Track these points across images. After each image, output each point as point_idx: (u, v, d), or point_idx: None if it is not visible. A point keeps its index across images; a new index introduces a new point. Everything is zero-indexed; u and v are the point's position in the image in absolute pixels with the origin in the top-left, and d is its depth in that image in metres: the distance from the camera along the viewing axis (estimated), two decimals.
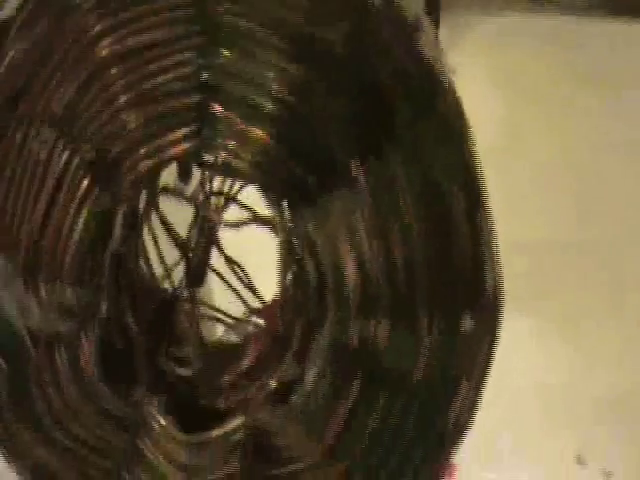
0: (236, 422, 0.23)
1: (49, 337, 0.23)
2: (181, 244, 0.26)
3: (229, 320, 0.28)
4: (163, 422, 0.23)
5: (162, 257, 0.26)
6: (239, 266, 0.28)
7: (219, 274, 0.28)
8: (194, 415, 0.23)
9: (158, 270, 0.27)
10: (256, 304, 0.27)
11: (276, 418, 0.23)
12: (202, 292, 0.28)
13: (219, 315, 0.28)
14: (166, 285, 0.28)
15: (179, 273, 0.27)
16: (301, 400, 0.22)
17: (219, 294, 0.28)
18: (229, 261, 0.27)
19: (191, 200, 0.25)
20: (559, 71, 0.48)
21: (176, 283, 0.27)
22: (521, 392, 0.33)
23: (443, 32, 0.47)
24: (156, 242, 0.26)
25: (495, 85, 0.46)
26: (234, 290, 0.28)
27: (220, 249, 0.27)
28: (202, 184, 0.24)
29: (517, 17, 0.51)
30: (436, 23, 0.48)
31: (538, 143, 0.44)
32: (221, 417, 0.23)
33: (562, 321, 0.35)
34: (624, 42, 0.50)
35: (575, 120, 0.45)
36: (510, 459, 0.32)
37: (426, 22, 0.21)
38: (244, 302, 0.28)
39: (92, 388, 0.23)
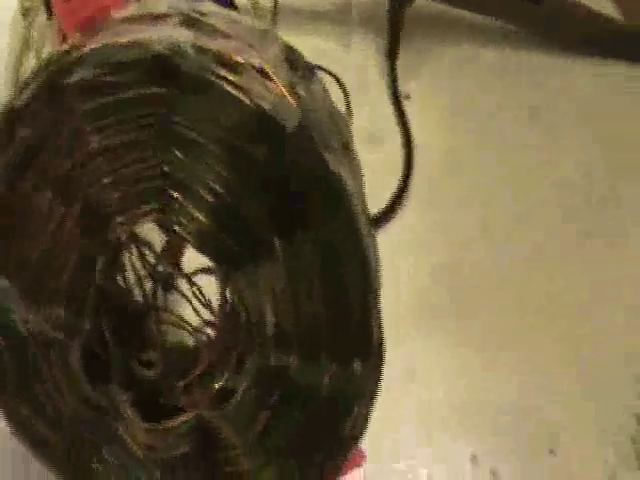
0: (184, 418, 0.29)
1: (44, 340, 0.28)
2: (149, 269, 0.32)
3: (189, 328, 0.34)
4: (129, 413, 0.29)
5: (139, 278, 0.32)
6: (197, 286, 0.33)
7: (181, 292, 0.33)
8: (158, 407, 0.29)
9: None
10: (210, 317, 0.33)
11: (215, 417, 0.29)
12: (168, 304, 0.34)
13: (181, 322, 0.34)
14: (137, 295, 0.33)
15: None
16: (233, 407, 0.28)
17: (182, 307, 0.34)
18: (189, 280, 0.33)
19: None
20: (503, 102, 0.50)
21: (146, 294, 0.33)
22: (429, 394, 0.38)
23: (402, 60, 0.51)
24: (133, 266, 0.32)
25: (445, 111, 0.49)
26: (192, 305, 0.33)
27: (182, 274, 0.33)
28: (167, 242, 0.30)
29: (471, 49, 0.53)
30: (395, 53, 0.52)
31: (476, 167, 0.47)
32: (177, 411, 0.29)
33: (472, 339, 0.40)
34: (567, 78, 0.54)
35: (512, 148, 0.48)
36: (416, 454, 0.37)
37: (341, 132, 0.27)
38: (200, 315, 0.33)
39: (76, 383, 0.29)
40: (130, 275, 0.32)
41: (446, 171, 0.48)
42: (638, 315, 0.42)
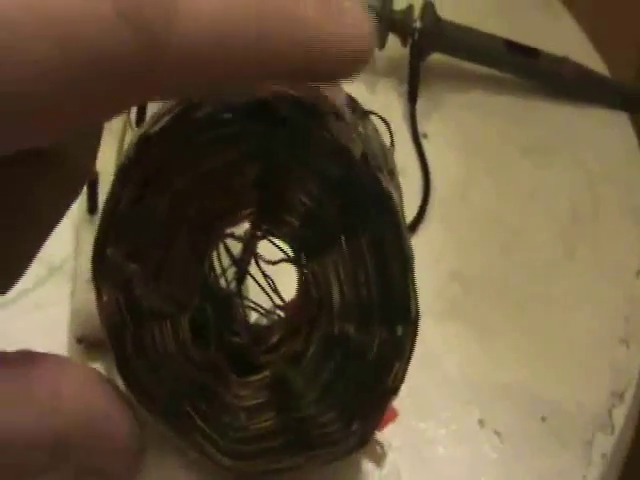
0: (266, 373, 0.36)
1: (160, 313, 0.36)
2: (235, 261, 0.41)
3: (262, 310, 0.43)
4: (225, 368, 0.36)
5: (223, 268, 0.41)
6: (269, 277, 0.42)
7: (256, 280, 0.42)
8: (245, 366, 0.37)
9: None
10: (279, 302, 0.42)
11: (289, 373, 0.37)
12: (246, 291, 0.43)
13: (255, 306, 0.43)
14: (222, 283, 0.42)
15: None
16: (303, 365, 0.35)
17: (255, 294, 0.42)
18: (263, 274, 0.42)
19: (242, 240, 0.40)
20: (504, 140, 0.57)
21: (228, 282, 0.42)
22: (446, 370, 0.45)
23: (420, 105, 0.58)
24: (220, 260, 0.41)
25: (456, 149, 0.56)
26: (265, 292, 0.42)
27: (258, 266, 0.41)
28: (250, 238, 0.39)
29: (478, 95, 0.60)
30: (414, 98, 0.59)
31: (481, 193, 0.54)
32: (259, 369, 0.37)
33: (479, 328, 0.48)
34: (558, 120, 0.61)
35: (510, 179, 0.55)
36: (434, 417, 0.44)
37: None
38: (271, 300, 0.42)
39: (184, 346, 0.36)
40: (217, 266, 0.41)
41: (457, 197, 0.56)
42: (615, 313, 0.51)
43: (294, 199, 0.34)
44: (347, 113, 0.36)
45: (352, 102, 0.38)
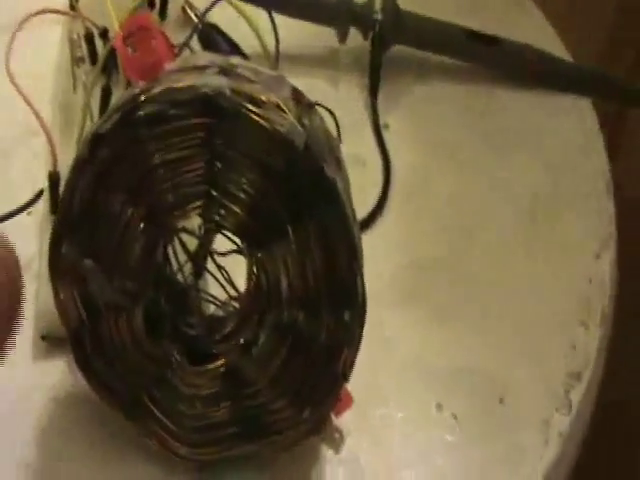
0: (219, 362, 0.37)
1: (115, 307, 0.37)
2: (190, 256, 0.42)
3: (217, 302, 0.43)
4: (179, 359, 0.37)
5: (179, 263, 0.42)
6: (223, 268, 0.43)
7: (211, 273, 0.43)
8: (199, 356, 0.38)
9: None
10: (233, 293, 0.43)
11: (242, 361, 0.38)
12: (204, 283, 0.44)
13: (211, 298, 0.44)
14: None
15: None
16: (255, 353, 0.37)
17: (214, 285, 0.43)
18: (218, 266, 0.43)
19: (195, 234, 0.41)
20: (464, 130, 0.58)
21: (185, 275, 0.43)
22: (403, 359, 0.45)
23: (381, 96, 0.58)
24: (175, 253, 0.42)
25: (418, 139, 0.57)
26: (220, 283, 0.43)
27: (213, 259, 0.42)
28: (205, 232, 0.40)
29: (438, 85, 0.60)
30: (375, 90, 0.60)
31: (442, 183, 0.55)
32: (213, 359, 0.38)
33: (438, 314, 0.48)
34: (520, 109, 0.61)
35: (472, 167, 0.56)
36: (392, 402, 0.44)
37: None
38: (226, 291, 0.43)
39: (139, 339, 0.37)
40: (173, 260, 0.42)
41: (417, 187, 0.57)
42: (574, 295, 0.52)
43: (239, 191, 0.36)
44: (291, 105, 0.37)
45: (297, 94, 0.39)
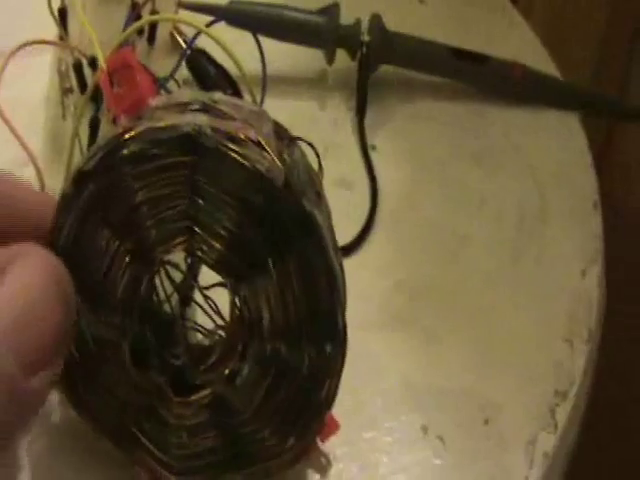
0: (205, 392, 0.38)
1: (102, 340, 0.37)
2: (176, 286, 0.43)
3: (204, 331, 0.44)
4: (166, 390, 0.38)
5: (166, 295, 0.42)
6: (210, 299, 0.44)
7: (197, 303, 0.44)
8: (185, 387, 0.38)
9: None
10: (220, 322, 0.43)
11: (227, 391, 0.38)
12: (193, 313, 0.44)
13: (198, 327, 0.44)
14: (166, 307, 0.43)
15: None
16: (239, 384, 0.37)
17: (202, 315, 0.43)
18: (204, 297, 0.43)
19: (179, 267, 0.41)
20: (452, 149, 0.58)
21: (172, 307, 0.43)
22: (390, 379, 0.46)
23: (368, 117, 0.59)
24: (162, 284, 0.42)
25: (405, 159, 0.57)
26: (207, 313, 0.44)
27: (199, 290, 0.43)
28: (190, 265, 0.41)
29: (425, 105, 0.61)
30: (362, 111, 0.60)
31: (429, 203, 0.55)
32: (198, 389, 0.38)
33: (423, 336, 0.48)
34: (506, 126, 0.62)
35: (459, 187, 0.56)
36: (379, 427, 0.45)
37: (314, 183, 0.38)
38: (213, 321, 0.44)
39: (127, 371, 0.38)
40: (161, 292, 0.43)
41: (405, 207, 0.58)
42: (559, 312, 0.53)
43: (220, 227, 0.36)
44: (272, 141, 0.37)
45: (279, 129, 0.40)
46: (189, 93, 0.39)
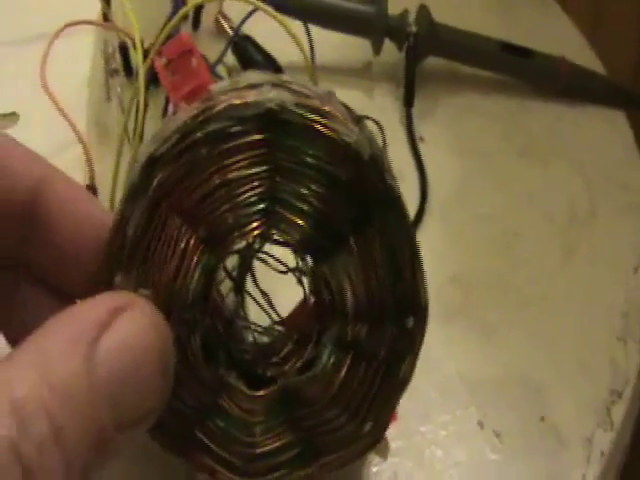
0: (277, 385, 0.36)
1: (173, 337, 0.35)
2: (233, 280, 0.42)
3: (259, 329, 0.43)
4: (235, 384, 0.36)
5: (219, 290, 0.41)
6: (266, 294, 0.43)
7: (255, 299, 0.43)
8: (254, 381, 0.37)
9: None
10: (276, 317, 0.42)
11: (301, 382, 0.36)
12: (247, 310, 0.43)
13: (254, 325, 0.43)
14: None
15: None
16: (315, 373, 0.36)
17: (254, 312, 0.42)
18: (262, 292, 0.42)
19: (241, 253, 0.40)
20: (499, 142, 0.57)
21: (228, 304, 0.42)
22: (445, 373, 0.45)
23: (416, 108, 0.58)
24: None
25: (453, 152, 0.56)
26: (264, 309, 0.43)
27: (256, 284, 0.42)
28: (250, 247, 0.39)
29: (472, 97, 0.60)
30: (410, 102, 0.60)
31: (478, 195, 0.54)
32: (269, 382, 0.37)
33: (478, 330, 0.48)
34: (553, 120, 0.61)
35: (508, 181, 0.56)
36: (435, 420, 0.45)
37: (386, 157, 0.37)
38: (269, 316, 0.42)
39: (196, 367, 0.36)
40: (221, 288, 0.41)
41: (454, 199, 0.57)
42: (613, 310, 0.52)
43: (303, 203, 0.35)
44: (348, 117, 0.36)
45: (346, 108, 0.38)
46: (257, 75, 0.38)
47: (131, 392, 0.29)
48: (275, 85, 0.36)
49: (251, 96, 0.35)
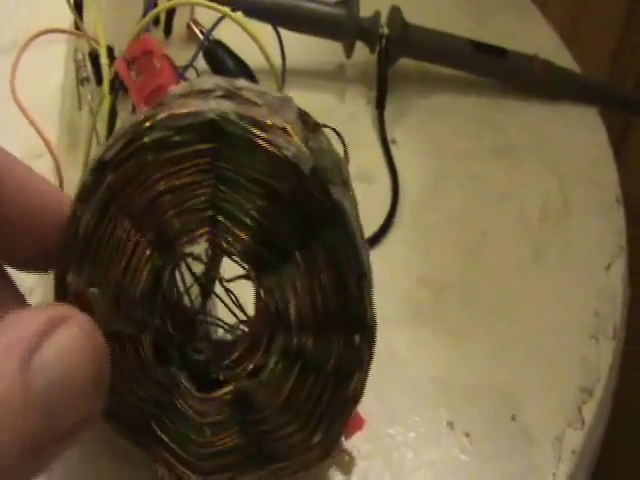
0: (228, 388, 0.37)
1: (122, 335, 0.36)
2: (197, 280, 0.42)
3: (225, 326, 0.43)
4: (187, 386, 0.37)
5: (186, 287, 0.41)
6: (232, 293, 0.43)
7: (219, 297, 0.43)
8: (207, 383, 0.37)
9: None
10: (242, 316, 0.42)
11: (251, 387, 0.37)
12: (211, 308, 0.43)
13: (219, 323, 0.43)
14: (186, 301, 0.42)
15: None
16: (264, 378, 0.36)
17: (223, 309, 0.43)
18: (226, 290, 0.42)
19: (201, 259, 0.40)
20: (473, 142, 0.57)
21: (192, 300, 0.42)
22: (414, 374, 0.45)
23: (388, 110, 0.58)
24: (182, 278, 0.41)
25: (425, 153, 0.56)
26: (228, 308, 0.43)
27: (221, 283, 0.42)
28: (212, 257, 0.40)
29: (446, 98, 0.60)
30: (382, 104, 0.59)
31: (450, 197, 0.54)
32: (221, 385, 0.37)
33: (447, 331, 0.47)
34: (527, 119, 0.61)
35: (480, 181, 0.55)
36: (404, 422, 0.45)
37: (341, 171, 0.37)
38: (235, 315, 0.43)
39: (147, 367, 0.36)
40: (181, 285, 0.41)
41: (426, 200, 0.57)
42: (585, 308, 0.52)
43: (246, 216, 0.35)
44: (298, 128, 0.36)
45: (304, 116, 0.38)
46: (211, 80, 0.38)
47: (66, 403, 0.29)
48: (226, 92, 0.36)
49: (194, 105, 0.35)
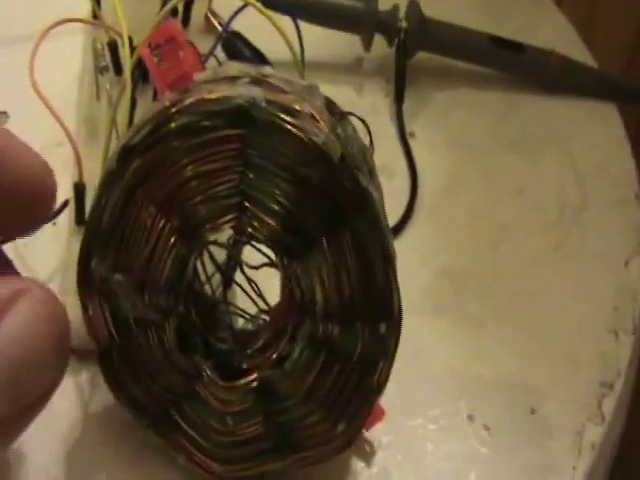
0: (252, 377, 0.37)
1: (146, 322, 0.37)
2: (218, 267, 0.42)
3: (247, 316, 0.43)
4: (210, 374, 0.37)
5: (207, 276, 0.41)
6: (253, 282, 0.43)
7: (240, 286, 0.43)
8: (231, 371, 0.38)
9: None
10: (264, 306, 0.42)
11: (275, 375, 0.37)
12: (231, 297, 0.43)
13: (241, 312, 0.43)
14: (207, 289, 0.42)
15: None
16: (288, 367, 0.36)
17: (243, 299, 0.43)
18: (248, 279, 0.42)
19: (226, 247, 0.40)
20: (490, 136, 0.57)
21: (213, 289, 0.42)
22: (435, 366, 0.45)
23: (406, 104, 0.58)
24: (203, 266, 0.41)
25: (444, 147, 0.56)
26: (250, 297, 0.43)
27: (242, 272, 0.42)
28: (235, 241, 0.40)
29: (464, 92, 0.60)
30: (401, 98, 0.59)
31: (468, 190, 0.54)
32: (245, 373, 0.37)
33: (468, 324, 0.47)
34: (545, 114, 0.61)
35: (498, 175, 0.55)
36: (424, 414, 0.44)
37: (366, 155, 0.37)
38: (256, 304, 0.43)
39: (170, 354, 0.37)
40: (202, 274, 0.41)
41: (444, 194, 0.56)
42: (604, 303, 0.51)
43: (273, 202, 0.35)
44: (325, 115, 0.36)
45: (330, 104, 0.38)
46: (238, 67, 0.38)
47: (27, 376, 0.29)
48: (253, 79, 0.36)
49: (222, 91, 0.35)
